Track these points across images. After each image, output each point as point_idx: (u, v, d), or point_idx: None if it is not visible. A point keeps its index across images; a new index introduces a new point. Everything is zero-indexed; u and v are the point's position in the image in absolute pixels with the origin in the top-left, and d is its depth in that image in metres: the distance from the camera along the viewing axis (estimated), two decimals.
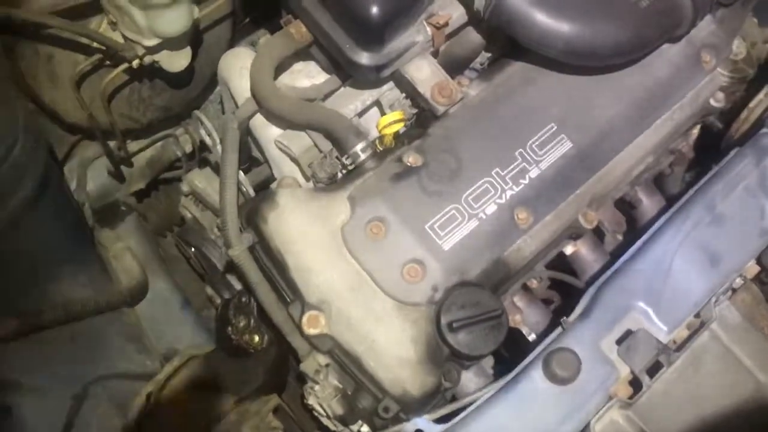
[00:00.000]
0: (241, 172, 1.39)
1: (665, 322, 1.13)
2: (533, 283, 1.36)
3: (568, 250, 1.42)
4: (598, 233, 1.45)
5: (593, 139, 1.32)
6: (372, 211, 1.21)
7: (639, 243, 1.20)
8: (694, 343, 1.12)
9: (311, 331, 1.20)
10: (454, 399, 1.20)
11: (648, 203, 1.49)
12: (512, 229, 1.25)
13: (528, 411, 1.03)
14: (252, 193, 1.45)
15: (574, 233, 1.34)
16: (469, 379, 1.29)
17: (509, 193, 1.26)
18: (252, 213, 1.25)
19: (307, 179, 1.33)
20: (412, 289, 1.18)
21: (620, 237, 1.44)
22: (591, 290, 1.15)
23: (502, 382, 1.07)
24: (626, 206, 1.49)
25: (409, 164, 1.26)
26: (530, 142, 1.30)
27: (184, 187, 1.55)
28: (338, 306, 1.17)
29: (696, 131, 1.51)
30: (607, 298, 1.13)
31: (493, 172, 1.27)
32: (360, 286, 1.18)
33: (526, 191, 1.27)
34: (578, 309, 1.13)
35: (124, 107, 1.50)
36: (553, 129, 1.31)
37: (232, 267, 1.30)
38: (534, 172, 1.28)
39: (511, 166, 1.28)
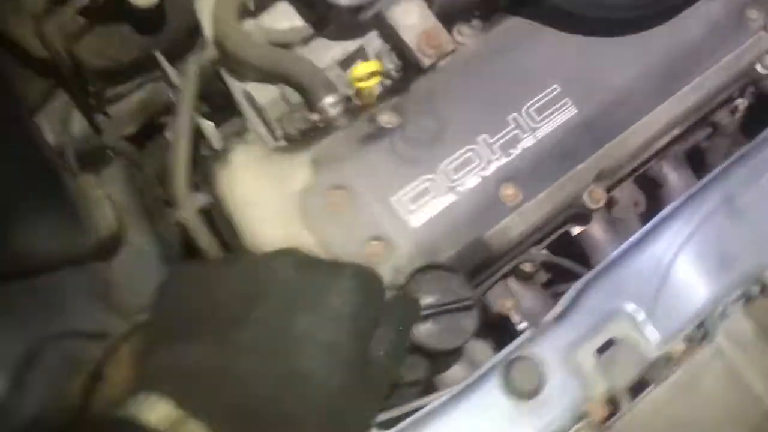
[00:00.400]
0: (212, 124, 1.25)
1: (659, 331, 0.96)
2: (527, 267, 1.19)
3: (575, 229, 1.23)
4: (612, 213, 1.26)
5: (604, 106, 1.12)
6: (335, 178, 1.06)
7: (637, 234, 1.01)
8: (693, 359, 0.94)
9: None
10: None
11: (676, 181, 1.28)
12: (496, 206, 1.08)
13: (479, 428, 0.88)
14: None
15: (577, 213, 1.16)
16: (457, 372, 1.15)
17: (496, 164, 1.09)
18: (205, 171, 1.12)
19: (275, 137, 1.18)
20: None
21: (635, 219, 1.24)
22: (573, 288, 0.97)
23: (453, 390, 0.92)
24: (650, 184, 1.29)
25: (383, 125, 1.09)
26: (527, 105, 1.11)
27: None
28: None
29: (743, 101, 1.28)
30: (590, 299, 0.96)
31: (479, 139, 1.09)
32: None
33: (516, 163, 1.09)
34: (556, 309, 0.96)
35: (98, 45, 1.37)
36: (556, 91, 1.12)
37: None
38: (528, 141, 1.10)
39: (501, 133, 1.10)
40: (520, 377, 0.89)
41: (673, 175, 1.28)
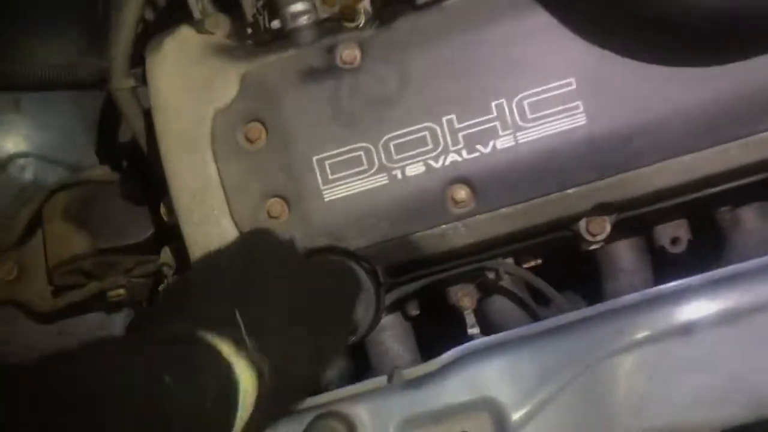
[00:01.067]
0: None
1: None
2: (490, 274, 0.97)
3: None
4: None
5: (623, 128, 0.81)
6: (258, 108, 0.87)
7: (600, 308, 0.76)
8: None
9: (164, 217, 0.96)
10: None
11: (749, 231, 0.96)
12: (438, 208, 0.85)
13: None
14: None
15: (566, 242, 0.90)
16: (395, 352, 1.04)
17: (453, 157, 0.84)
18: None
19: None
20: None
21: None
22: (461, 349, 0.77)
23: None
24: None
25: (338, 62, 0.86)
26: (523, 94, 0.83)
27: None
28: (179, 206, 0.90)
29: None
30: (463, 374, 0.75)
31: (444, 119, 0.84)
32: (206, 197, 0.89)
33: (478, 164, 0.84)
34: (427, 365, 0.77)
35: None
36: (569, 88, 0.82)
37: None
38: (504, 142, 0.83)
39: (474, 120, 0.83)
40: None
41: (748, 224, 0.96)
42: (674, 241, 0.99)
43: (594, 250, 0.98)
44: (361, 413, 0.73)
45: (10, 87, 1.26)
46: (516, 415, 0.72)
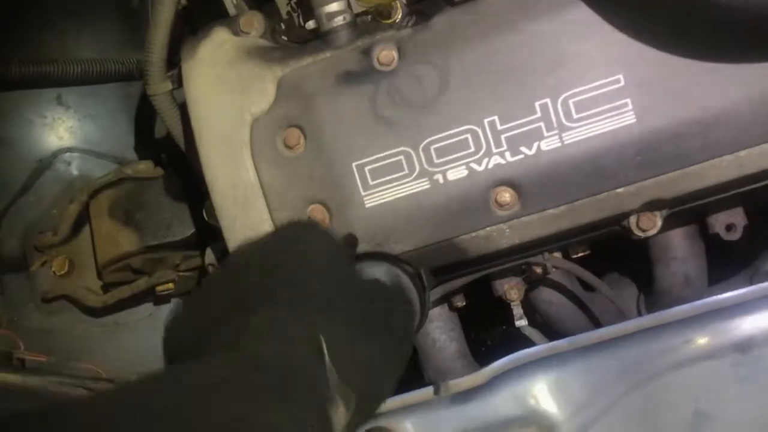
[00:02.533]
0: None
1: None
2: (538, 268, 0.95)
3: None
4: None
5: (674, 126, 0.78)
6: (296, 113, 0.86)
7: (654, 319, 0.74)
8: None
9: (210, 219, 0.97)
10: None
11: None
12: (481, 211, 0.84)
13: None
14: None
15: (616, 234, 0.88)
16: (446, 359, 1.05)
17: (496, 160, 0.82)
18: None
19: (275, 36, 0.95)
20: None
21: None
22: (504, 362, 0.75)
23: None
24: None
25: (375, 64, 0.84)
26: (568, 93, 0.80)
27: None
28: (222, 213, 0.90)
29: None
30: (512, 387, 0.74)
31: (486, 121, 0.82)
32: (247, 203, 0.88)
33: (523, 167, 0.81)
34: (473, 377, 0.76)
35: None
36: (618, 86, 0.78)
37: None
38: (550, 143, 0.80)
39: (518, 122, 0.81)
40: None
41: None
42: (729, 227, 0.96)
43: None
44: (409, 428, 0.73)
45: (49, 84, 1.27)
46: (566, 430, 0.70)
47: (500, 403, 0.71)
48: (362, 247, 0.86)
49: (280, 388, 0.50)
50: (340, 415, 0.53)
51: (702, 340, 0.66)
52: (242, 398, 0.48)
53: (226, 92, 0.89)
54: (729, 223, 0.96)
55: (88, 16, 1.33)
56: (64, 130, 1.34)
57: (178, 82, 0.95)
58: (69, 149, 1.33)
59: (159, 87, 0.97)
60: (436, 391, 0.75)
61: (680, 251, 1.04)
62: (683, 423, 0.66)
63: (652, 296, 1.09)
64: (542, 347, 0.75)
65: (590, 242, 0.98)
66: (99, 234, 1.19)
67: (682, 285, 1.06)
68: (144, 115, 1.34)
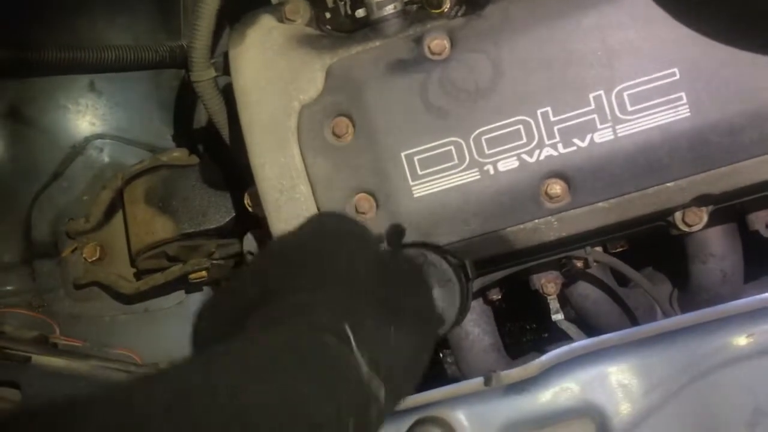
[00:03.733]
0: None
1: None
2: (579, 262, 0.95)
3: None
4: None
5: (730, 120, 0.77)
6: (345, 102, 0.85)
7: (708, 314, 0.74)
8: None
9: (250, 209, 0.96)
10: None
11: None
12: (531, 203, 0.83)
13: None
14: None
15: (656, 230, 0.88)
16: (479, 352, 1.05)
17: (548, 152, 0.81)
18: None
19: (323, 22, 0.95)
20: None
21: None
22: (562, 351, 0.75)
23: None
24: None
25: (426, 52, 0.83)
26: (623, 86, 0.79)
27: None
28: (267, 202, 0.90)
29: None
30: (566, 379, 0.74)
31: (539, 112, 0.81)
32: (294, 191, 0.88)
33: (575, 159, 0.81)
34: (524, 368, 0.76)
35: None
36: (673, 79, 0.78)
37: None
38: (604, 135, 0.80)
39: (572, 113, 0.80)
40: None
41: None
42: None
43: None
44: (461, 418, 0.73)
45: (83, 70, 1.27)
46: (620, 424, 0.70)
47: (554, 395, 0.71)
48: (409, 238, 0.86)
49: (314, 372, 0.50)
50: (373, 400, 0.52)
51: (762, 336, 0.66)
52: (278, 380, 0.48)
53: (275, 80, 0.88)
54: None
55: (122, 2, 1.33)
56: (96, 117, 1.34)
57: (223, 69, 0.95)
58: (101, 136, 1.33)
59: (203, 74, 0.96)
60: (487, 382, 0.75)
61: (718, 248, 1.03)
62: (741, 420, 0.65)
63: (686, 293, 1.09)
64: (594, 340, 0.74)
65: (630, 238, 0.97)
66: (134, 220, 1.19)
67: (719, 282, 1.05)
68: (181, 103, 1.34)
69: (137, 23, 1.35)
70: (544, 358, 0.75)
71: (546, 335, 1.25)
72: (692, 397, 0.68)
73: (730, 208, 0.89)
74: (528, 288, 1.07)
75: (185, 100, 1.33)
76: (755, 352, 0.67)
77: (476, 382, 0.76)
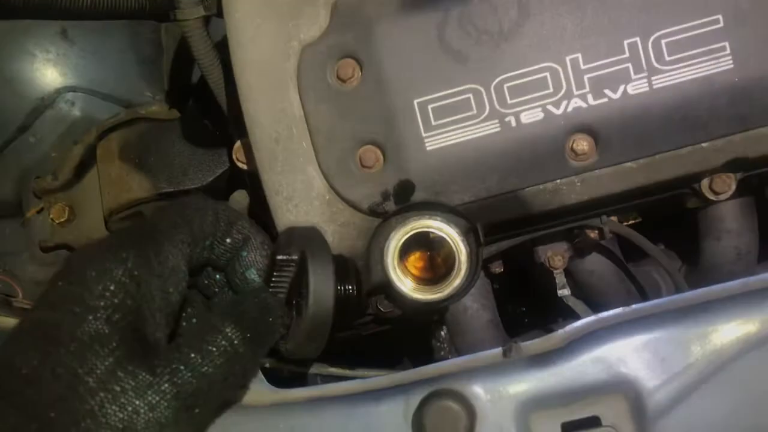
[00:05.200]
0: None
1: None
2: (593, 233, 0.88)
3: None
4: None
5: None
6: (352, 42, 0.77)
7: (700, 292, 0.67)
8: None
9: (239, 164, 0.88)
10: None
11: None
12: (555, 161, 0.76)
13: None
14: None
15: (684, 197, 0.81)
16: (477, 328, 1.00)
17: (576, 103, 0.74)
18: None
19: None
20: (357, 180, 0.77)
21: None
22: (585, 323, 0.68)
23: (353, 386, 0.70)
24: None
25: None
26: (661, 32, 0.72)
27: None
28: (260, 151, 0.81)
29: None
30: (595, 351, 0.66)
31: (568, 59, 0.74)
32: (290, 142, 0.80)
33: (605, 112, 0.74)
34: (546, 339, 0.68)
35: None
36: (717, 26, 0.71)
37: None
38: (638, 87, 0.73)
39: (604, 61, 0.73)
40: (437, 421, 0.65)
41: None
42: None
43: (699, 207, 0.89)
44: (480, 392, 0.65)
45: (55, 14, 1.17)
46: (657, 400, 0.63)
47: (582, 367, 0.64)
48: (419, 196, 0.78)
49: None
50: None
51: None
52: None
53: (273, 17, 0.80)
54: None
55: None
56: (68, 68, 1.23)
57: (217, 7, 0.86)
58: (72, 88, 1.22)
59: (191, 11, 0.87)
60: (506, 353, 0.68)
61: (734, 224, 0.97)
62: None
63: (696, 272, 1.03)
64: (626, 309, 0.67)
65: (647, 208, 0.91)
66: (107, 178, 1.10)
67: (733, 260, 1.00)
68: (159, 57, 1.25)
69: None
70: (569, 328, 0.68)
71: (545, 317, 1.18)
72: (737, 374, 0.61)
73: (756, 179, 0.83)
74: (524, 264, 1.00)
75: (167, 53, 1.23)
76: None
77: (494, 353, 0.68)
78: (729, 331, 0.62)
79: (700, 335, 0.63)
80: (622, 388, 0.64)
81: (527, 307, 1.24)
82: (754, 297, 0.63)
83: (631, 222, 0.96)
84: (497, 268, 1.02)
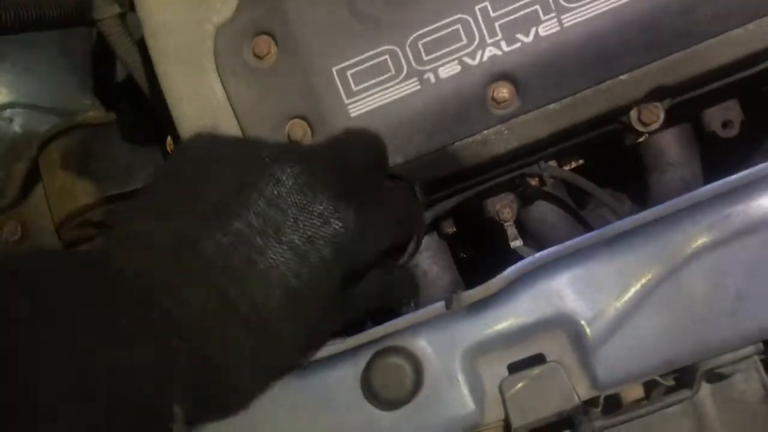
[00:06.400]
0: None
1: (610, 364, 0.67)
2: (534, 181, 0.88)
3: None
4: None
5: (679, 2, 0.71)
6: (264, 18, 0.77)
7: (630, 221, 0.68)
8: (651, 410, 0.67)
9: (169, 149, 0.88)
10: None
11: None
12: (478, 112, 0.76)
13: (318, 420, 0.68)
14: None
15: (616, 133, 0.82)
16: (439, 291, 0.98)
17: (491, 51, 0.74)
18: None
19: None
20: None
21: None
22: (517, 267, 0.69)
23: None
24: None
25: None
26: None
27: None
28: (186, 135, 0.81)
29: None
30: (532, 291, 0.67)
31: (477, 8, 0.74)
32: (218, 125, 0.80)
33: (521, 56, 0.74)
34: (478, 289, 0.69)
35: None
36: None
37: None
38: (549, 27, 0.73)
39: (514, 6, 0.74)
40: (384, 377, 0.66)
41: None
42: (726, 124, 0.91)
43: (639, 144, 0.89)
44: (424, 345, 0.66)
45: None
46: (595, 330, 0.64)
47: (522, 308, 0.65)
48: None
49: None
50: None
51: (735, 218, 0.60)
52: None
53: (183, 4, 0.80)
54: (725, 119, 0.91)
55: None
56: (2, 85, 1.22)
57: (129, 3, 0.86)
58: (9, 105, 1.22)
59: (106, 10, 0.87)
60: (448, 306, 0.68)
61: (675, 156, 0.98)
62: (722, 310, 0.60)
63: (646, 207, 1.04)
64: (558, 247, 0.68)
65: (585, 149, 0.92)
66: (52, 189, 1.10)
67: (680, 191, 1.00)
68: (91, 63, 1.24)
69: None
70: (506, 272, 0.69)
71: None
72: (669, 293, 0.62)
73: (685, 107, 0.84)
74: (477, 222, 1.01)
75: (98, 55, 1.22)
76: (730, 235, 0.61)
77: (437, 306, 0.69)
78: (657, 253, 0.63)
79: (631, 261, 0.64)
80: (561, 323, 0.65)
81: (486, 266, 1.25)
82: (679, 217, 0.63)
83: (573, 166, 0.96)
84: (449, 228, 1.03)
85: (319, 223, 0.55)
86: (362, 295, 0.63)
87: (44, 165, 1.09)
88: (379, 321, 0.75)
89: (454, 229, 1.03)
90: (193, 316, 0.50)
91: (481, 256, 1.19)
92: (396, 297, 0.74)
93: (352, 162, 0.61)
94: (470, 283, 1.07)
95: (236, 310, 0.51)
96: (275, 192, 0.55)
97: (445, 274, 1.07)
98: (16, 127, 1.21)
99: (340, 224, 0.55)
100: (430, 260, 1.05)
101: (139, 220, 0.56)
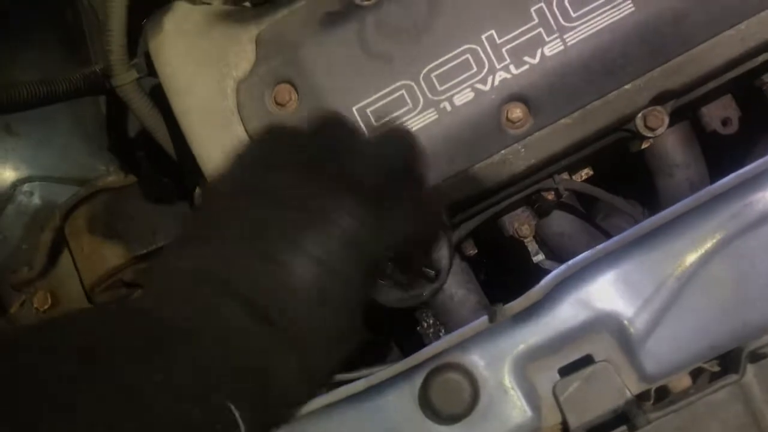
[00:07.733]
0: None
1: (655, 358, 0.70)
2: (549, 196, 0.92)
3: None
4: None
5: (672, 10, 0.76)
6: (282, 68, 0.81)
7: (656, 218, 0.71)
8: (700, 399, 0.69)
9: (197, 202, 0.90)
10: None
11: None
12: (495, 133, 0.80)
13: None
14: None
15: (624, 141, 0.86)
16: (467, 313, 1.00)
17: (501, 76, 0.78)
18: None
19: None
20: None
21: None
22: (552, 276, 0.72)
23: (355, 386, 0.73)
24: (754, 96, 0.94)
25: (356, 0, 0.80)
26: None
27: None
28: None
29: None
30: (571, 296, 0.70)
31: (483, 37, 0.78)
32: None
33: (530, 77, 0.78)
34: (519, 301, 0.72)
35: None
36: None
37: None
38: (553, 48, 0.77)
39: (517, 32, 0.78)
40: (441, 395, 0.68)
41: None
42: (725, 122, 0.95)
43: (644, 150, 0.93)
44: (476, 359, 0.69)
45: None
46: (638, 326, 0.67)
47: (564, 313, 0.68)
48: None
49: None
50: None
51: (759, 203, 0.64)
52: None
53: (202, 62, 0.84)
54: (724, 117, 0.95)
55: (23, 38, 1.26)
56: (20, 160, 1.26)
57: (147, 67, 0.90)
58: (28, 179, 1.25)
59: (125, 76, 0.91)
60: (492, 319, 0.71)
61: (680, 157, 1.02)
62: (757, 291, 0.63)
63: (657, 211, 1.07)
64: (591, 251, 0.71)
65: (593, 159, 0.95)
66: (80, 254, 1.12)
67: (688, 192, 1.04)
68: (104, 129, 1.28)
69: (43, 58, 1.28)
70: (543, 281, 0.72)
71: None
72: (704, 282, 0.65)
73: (685, 107, 0.88)
74: (498, 243, 1.04)
75: (111, 122, 1.26)
76: (754, 221, 0.65)
77: (481, 322, 0.72)
78: (687, 246, 0.66)
79: (662, 257, 0.67)
80: (604, 323, 0.68)
81: (511, 285, 1.28)
82: (703, 210, 0.67)
83: (584, 177, 1.00)
84: (470, 250, 1.06)
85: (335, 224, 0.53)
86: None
87: (70, 232, 1.12)
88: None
89: (475, 251, 1.06)
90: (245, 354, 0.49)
91: (499, 276, 1.22)
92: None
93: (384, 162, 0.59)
94: (493, 302, 1.10)
95: (283, 333, 0.50)
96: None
97: (471, 296, 1.10)
98: (36, 199, 1.24)
99: (354, 220, 0.53)
100: (455, 283, 1.08)
101: (174, 263, 0.55)
